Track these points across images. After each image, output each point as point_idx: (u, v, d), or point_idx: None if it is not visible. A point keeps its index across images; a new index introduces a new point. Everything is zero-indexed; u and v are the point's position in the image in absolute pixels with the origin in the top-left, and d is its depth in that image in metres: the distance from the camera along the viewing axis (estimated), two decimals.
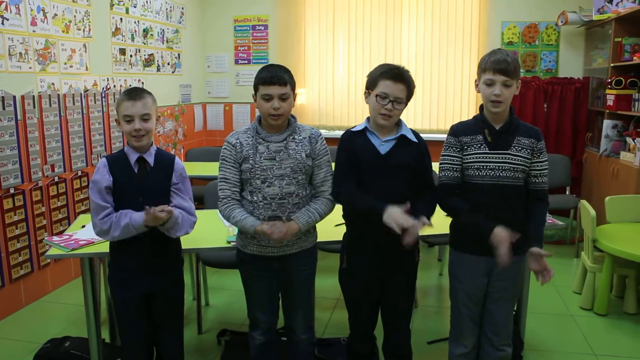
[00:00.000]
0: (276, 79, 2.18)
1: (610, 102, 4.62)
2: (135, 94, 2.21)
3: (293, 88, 2.25)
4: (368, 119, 2.32)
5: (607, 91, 4.67)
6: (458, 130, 2.30)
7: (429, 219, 2.15)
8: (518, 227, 2.29)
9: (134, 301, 2.29)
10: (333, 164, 2.36)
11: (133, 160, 2.25)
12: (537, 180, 2.27)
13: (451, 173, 2.29)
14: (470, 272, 2.32)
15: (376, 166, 2.24)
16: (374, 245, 2.29)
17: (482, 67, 2.20)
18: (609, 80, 4.60)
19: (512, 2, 5.56)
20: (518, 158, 2.22)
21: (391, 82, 2.19)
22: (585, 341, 3.26)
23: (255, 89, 2.24)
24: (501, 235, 2.10)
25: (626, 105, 4.45)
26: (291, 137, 2.27)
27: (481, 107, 2.30)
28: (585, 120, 5.42)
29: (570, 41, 5.55)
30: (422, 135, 2.37)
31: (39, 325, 3.50)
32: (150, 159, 2.27)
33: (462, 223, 2.32)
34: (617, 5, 4.63)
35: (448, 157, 2.29)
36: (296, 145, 2.27)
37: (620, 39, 4.54)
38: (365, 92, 2.28)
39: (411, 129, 2.32)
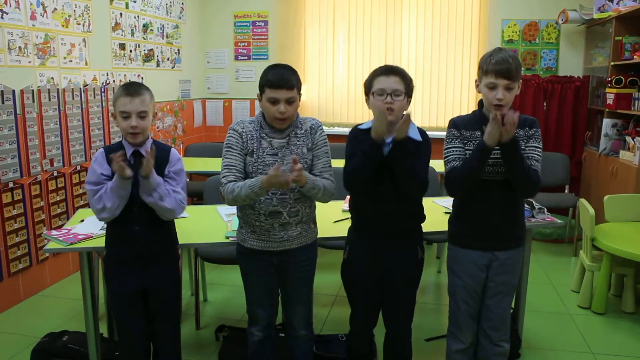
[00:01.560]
0: (284, 82, 2.14)
1: (610, 101, 4.62)
2: (133, 89, 2.18)
3: (299, 90, 2.23)
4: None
5: (607, 90, 4.67)
6: (458, 123, 2.29)
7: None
8: (517, 220, 2.30)
9: (130, 296, 2.29)
10: (333, 161, 2.35)
11: (129, 152, 2.23)
12: (530, 163, 2.21)
13: (457, 163, 2.24)
14: (469, 267, 2.32)
15: (378, 167, 2.23)
16: (374, 242, 2.30)
17: (484, 69, 2.17)
18: (609, 79, 4.60)
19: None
20: None
21: (384, 76, 2.20)
22: (582, 340, 3.27)
23: (261, 90, 2.21)
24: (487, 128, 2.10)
25: (626, 104, 4.45)
26: (293, 132, 2.27)
27: (480, 103, 2.29)
28: (584, 119, 5.42)
29: (571, 39, 5.55)
30: (424, 131, 2.35)
31: (37, 319, 3.50)
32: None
33: (472, 166, 2.19)
34: (617, 3, 4.63)
35: (452, 149, 2.27)
36: (298, 140, 2.26)
37: (620, 38, 4.54)
38: (365, 99, 2.29)
39: (419, 128, 2.29)
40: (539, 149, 2.25)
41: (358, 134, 2.29)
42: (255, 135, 2.24)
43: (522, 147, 2.21)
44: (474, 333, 2.41)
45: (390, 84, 2.19)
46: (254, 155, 2.22)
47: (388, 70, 2.21)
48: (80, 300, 2.70)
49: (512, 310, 2.61)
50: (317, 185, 2.21)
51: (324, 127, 2.37)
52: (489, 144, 2.10)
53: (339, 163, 2.35)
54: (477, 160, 2.16)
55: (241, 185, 2.15)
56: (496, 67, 2.12)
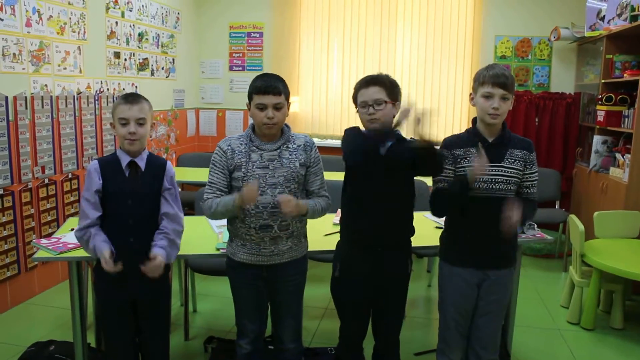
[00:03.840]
0: (271, 88, 2.18)
1: (600, 118, 4.66)
2: (132, 98, 2.24)
3: (287, 97, 2.26)
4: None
5: (598, 107, 4.72)
6: (450, 143, 2.32)
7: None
8: (511, 239, 2.31)
9: (118, 306, 2.28)
10: (326, 173, 2.36)
11: (124, 163, 2.25)
12: (529, 191, 2.31)
13: (442, 185, 2.31)
14: (460, 285, 2.33)
15: (376, 166, 2.25)
16: (366, 254, 2.30)
17: (480, 81, 2.23)
18: (600, 96, 4.65)
19: (506, 16, 5.62)
20: (511, 170, 2.24)
21: (364, 89, 2.25)
22: (571, 355, 3.27)
23: (250, 97, 2.24)
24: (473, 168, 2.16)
25: (616, 121, 4.49)
26: (285, 146, 2.28)
27: (474, 121, 2.32)
28: (575, 135, 5.47)
29: (562, 56, 5.61)
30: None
31: (24, 328, 3.47)
32: (141, 163, 2.28)
33: (451, 197, 2.28)
34: (608, 22, 4.68)
35: None
36: (290, 154, 2.27)
37: (611, 56, 4.59)
38: (356, 111, 2.32)
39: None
40: (536, 174, 2.31)
41: (348, 131, 2.34)
42: (243, 150, 2.25)
43: (521, 169, 2.26)
44: (463, 350, 2.41)
45: (370, 95, 2.22)
46: (242, 169, 2.23)
47: (367, 82, 2.25)
48: (68, 310, 2.68)
49: (501, 325, 2.61)
50: (317, 209, 2.27)
51: (316, 139, 2.38)
52: (471, 180, 2.17)
53: (332, 176, 2.36)
54: (457, 192, 2.23)
55: (217, 202, 2.19)
56: (493, 77, 2.19)
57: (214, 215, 2.25)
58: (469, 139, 2.30)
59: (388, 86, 2.25)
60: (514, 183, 2.26)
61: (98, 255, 2.16)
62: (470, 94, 2.32)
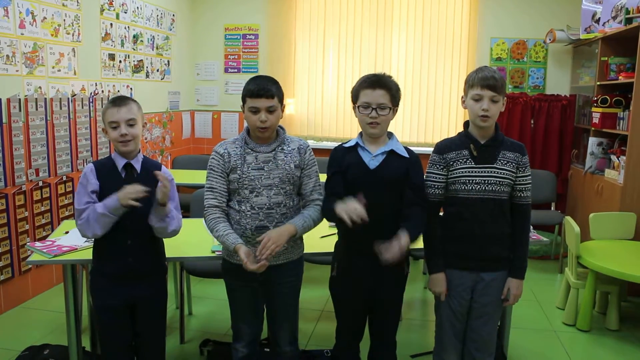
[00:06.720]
0: (263, 91, 2.17)
1: (595, 120, 4.67)
2: (119, 100, 2.22)
3: (281, 100, 2.25)
4: (361, 134, 2.33)
5: (593, 109, 4.72)
6: (442, 148, 2.32)
7: (415, 236, 2.18)
8: (505, 240, 2.31)
9: (115, 309, 2.26)
10: (321, 175, 2.35)
11: (120, 166, 2.25)
12: (522, 195, 2.30)
13: (433, 190, 2.31)
14: (454, 287, 2.33)
15: (365, 181, 2.23)
16: (364, 255, 2.28)
17: (470, 83, 2.23)
18: (595, 98, 4.66)
19: (501, 18, 5.63)
20: (504, 171, 2.24)
21: (370, 90, 2.22)
22: (567, 356, 3.28)
23: (243, 100, 2.23)
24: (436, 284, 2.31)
25: (611, 123, 4.50)
26: (280, 148, 2.28)
27: (465, 124, 2.33)
28: (571, 137, 5.48)
29: (558, 59, 5.63)
30: (410, 148, 2.38)
31: (18, 332, 3.44)
32: (137, 165, 2.27)
33: (425, 247, 2.38)
34: (603, 25, 4.70)
35: (432, 175, 2.32)
36: (285, 156, 2.27)
37: (606, 58, 4.60)
38: (352, 107, 2.31)
39: (404, 147, 2.32)
40: (529, 177, 2.30)
41: (338, 153, 2.31)
42: (239, 152, 2.24)
43: (514, 171, 2.25)
44: (459, 353, 2.40)
45: (375, 97, 2.21)
46: (238, 172, 2.22)
47: (373, 83, 2.22)
48: (63, 313, 2.66)
49: (497, 327, 2.61)
50: (308, 225, 2.26)
51: (311, 142, 2.38)
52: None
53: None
54: (426, 254, 2.40)
55: (220, 234, 2.20)
56: (482, 80, 2.19)
57: (211, 233, 2.26)
58: (461, 141, 2.30)
59: (393, 91, 2.24)
60: (507, 185, 2.25)
61: (112, 207, 2.12)
62: (462, 97, 2.32)
